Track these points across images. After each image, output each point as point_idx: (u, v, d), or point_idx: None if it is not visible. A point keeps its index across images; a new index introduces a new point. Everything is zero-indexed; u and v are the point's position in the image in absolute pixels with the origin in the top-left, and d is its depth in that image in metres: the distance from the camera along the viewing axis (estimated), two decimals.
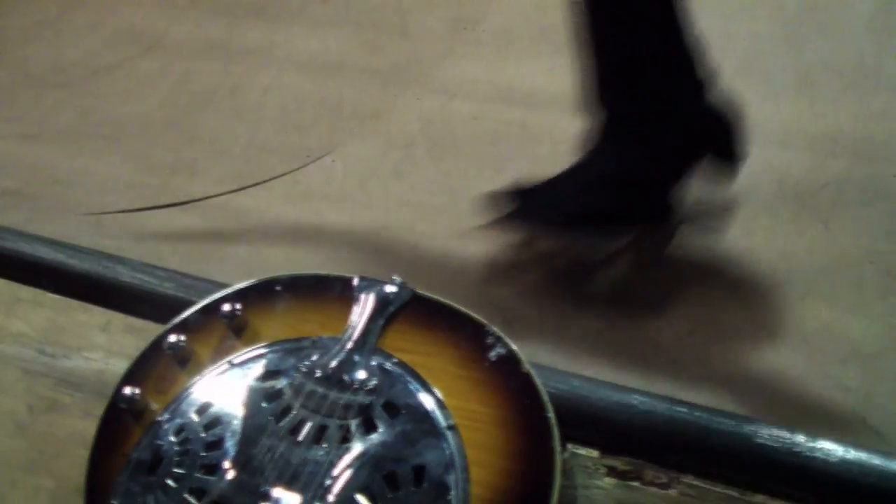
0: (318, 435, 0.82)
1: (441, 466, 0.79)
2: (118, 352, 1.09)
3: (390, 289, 0.93)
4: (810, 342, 1.07)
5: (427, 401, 0.83)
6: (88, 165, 1.60)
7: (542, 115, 1.52)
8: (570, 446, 0.90)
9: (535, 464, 0.79)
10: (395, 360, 0.88)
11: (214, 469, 0.82)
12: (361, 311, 0.92)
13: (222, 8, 2.01)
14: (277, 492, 0.79)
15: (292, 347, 0.91)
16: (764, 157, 1.28)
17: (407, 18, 1.85)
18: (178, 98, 1.77)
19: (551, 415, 0.81)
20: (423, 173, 1.47)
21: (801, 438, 0.87)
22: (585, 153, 1.19)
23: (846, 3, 1.67)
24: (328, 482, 0.78)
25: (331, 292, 0.95)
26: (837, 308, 1.12)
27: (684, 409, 0.91)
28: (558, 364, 0.97)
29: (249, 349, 0.92)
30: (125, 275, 1.15)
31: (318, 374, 0.87)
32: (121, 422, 0.89)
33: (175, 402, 0.89)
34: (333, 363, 0.88)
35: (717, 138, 1.19)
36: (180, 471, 0.83)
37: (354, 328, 0.91)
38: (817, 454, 0.86)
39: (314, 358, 0.89)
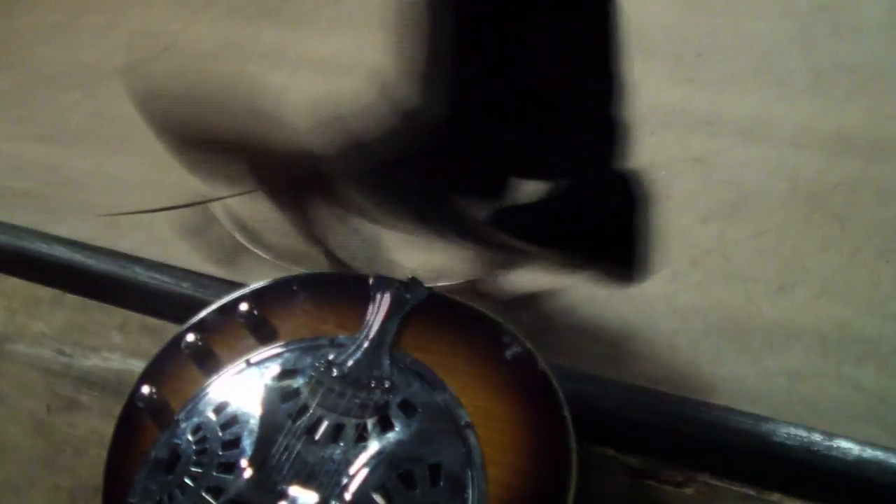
0: (335, 434, 0.82)
1: (457, 465, 0.79)
2: (136, 351, 1.09)
3: (406, 288, 0.94)
4: (826, 341, 1.07)
5: (443, 399, 0.84)
6: (104, 166, 1.61)
7: None
8: (586, 445, 0.90)
9: (552, 462, 0.79)
10: (411, 359, 0.88)
11: (232, 468, 0.82)
12: (377, 310, 0.92)
13: (237, 9, 2.01)
14: (294, 490, 0.79)
15: (309, 346, 0.91)
16: (777, 157, 1.28)
17: None
18: None
19: (567, 413, 0.81)
20: None
21: (817, 437, 0.87)
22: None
23: (859, 2, 1.67)
24: (345, 481, 0.79)
25: (347, 291, 0.96)
26: (852, 307, 1.11)
27: (700, 408, 0.91)
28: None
29: (266, 348, 0.92)
30: (142, 275, 1.15)
31: (335, 373, 0.87)
32: (139, 421, 0.89)
33: (192, 402, 0.89)
34: (350, 362, 0.88)
35: (613, 214, 0.96)
36: (198, 469, 0.83)
37: (370, 327, 0.91)
38: (834, 453, 0.86)
39: (331, 357, 0.89)
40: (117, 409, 0.91)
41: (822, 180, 1.30)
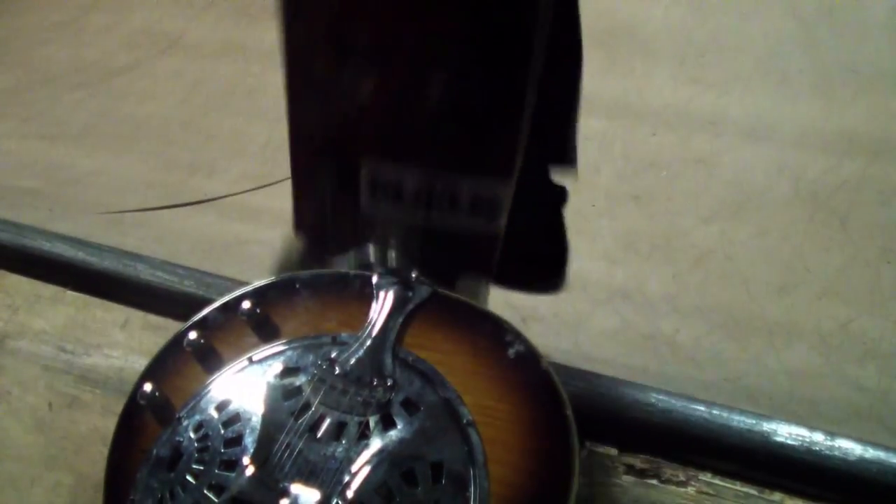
0: (337, 431, 0.82)
1: (459, 463, 0.78)
2: (138, 349, 1.09)
3: (409, 286, 0.94)
4: (827, 341, 1.07)
5: (445, 398, 0.83)
6: (107, 165, 1.61)
7: None
8: (588, 444, 0.90)
9: (554, 461, 0.79)
10: (414, 357, 0.87)
11: (233, 465, 0.82)
12: (380, 308, 0.92)
13: (240, 8, 2.01)
14: (296, 488, 0.79)
15: (311, 344, 0.91)
16: (780, 158, 1.28)
17: None
18: (196, 98, 1.78)
19: (570, 412, 0.81)
20: None
21: (819, 437, 0.87)
22: None
23: (863, 3, 1.67)
24: (346, 478, 0.78)
25: (350, 289, 0.95)
26: (854, 307, 1.11)
27: (702, 407, 0.91)
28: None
29: (269, 346, 0.92)
30: (145, 272, 1.15)
31: (337, 370, 0.87)
32: (140, 418, 0.89)
33: (194, 399, 0.89)
34: (352, 360, 0.88)
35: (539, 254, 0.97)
36: (200, 467, 0.83)
37: (373, 325, 0.91)
38: (836, 452, 0.86)
39: (333, 355, 0.89)
40: (119, 407, 0.91)
41: (825, 181, 1.30)
